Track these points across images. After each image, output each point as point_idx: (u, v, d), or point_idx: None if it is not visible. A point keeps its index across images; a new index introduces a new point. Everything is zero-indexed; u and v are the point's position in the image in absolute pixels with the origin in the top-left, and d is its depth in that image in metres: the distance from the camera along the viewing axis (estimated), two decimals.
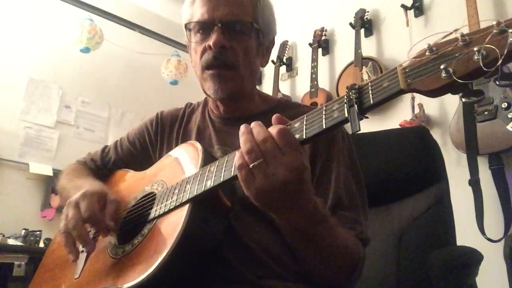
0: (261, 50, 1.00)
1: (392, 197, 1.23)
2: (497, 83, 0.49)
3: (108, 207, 0.86)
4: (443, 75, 0.51)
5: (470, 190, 1.90)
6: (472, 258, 1.01)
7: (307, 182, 0.65)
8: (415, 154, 1.23)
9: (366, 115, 0.59)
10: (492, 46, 0.48)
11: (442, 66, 0.51)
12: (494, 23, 0.49)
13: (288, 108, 1.00)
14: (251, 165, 0.63)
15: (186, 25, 0.97)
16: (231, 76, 0.93)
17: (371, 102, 0.57)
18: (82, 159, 1.19)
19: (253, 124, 0.67)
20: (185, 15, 0.99)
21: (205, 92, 0.99)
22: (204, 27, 0.93)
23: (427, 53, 0.53)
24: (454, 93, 0.53)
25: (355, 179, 0.90)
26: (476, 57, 0.49)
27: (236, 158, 0.65)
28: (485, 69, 0.48)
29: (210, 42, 0.90)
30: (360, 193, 0.90)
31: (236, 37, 0.93)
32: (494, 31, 0.48)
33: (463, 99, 0.53)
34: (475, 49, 0.49)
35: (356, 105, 0.58)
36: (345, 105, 0.60)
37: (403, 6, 2.51)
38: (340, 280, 0.78)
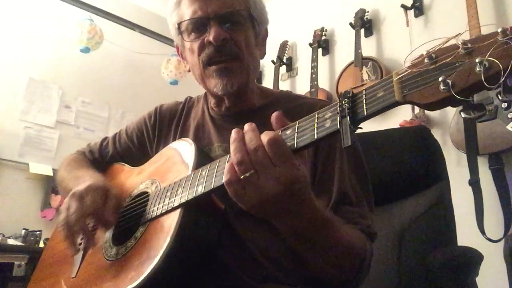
0: (258, 40, 0.98)
1: (393, 197, 1.23)
2: (500, 98, 0.45)
3: (109, 202, 0.86)
4: (442, 87, 0.47)
5: (470, 190, 1.90)
6: (472, 258, 1.01)
7: (300, 192, 0.62)
8: (416, 154, 1.23)
9: (359, 126, 0.55)
10: (495, 60, 0.43)
11: (440, 78, 0.47)
12: (500, 30, 0.44)
13: (288, 101, 0.97)
14: (242, 177, 0.59)
15: (179, 26, 0.94)
16: (237, 67, 0.90)
17: (365, 113, 0.54)
18: (82, 150, 1.18)
19: (246, 129, 0.62)
20: (172, 19, 0.97)
21: (209, 91, 0.96)
22: (198, 25, 0.90)
23: (425, 61, 0.49)
24: (453, 106, 0.49)
25: (360, 173, 0.88)
26: (477, 69, 0.44)
27: (225, 171, 0.61)
28: (487, 85, 0.44)
29: (210, 37, 0.86)
30: (365, 186, 0.88)
31: (234, 27, 0.90)
32: (499, 39, 0.44)
33: (462, 114, 0.48)
34: (477, 60, 0.44)
35: (348, 117, 0.54)
36: (338, 115, 0.56)
37: (403, 6, 2.51)
38: (349, 278, 0.77)
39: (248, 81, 0.94)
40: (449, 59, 0.47)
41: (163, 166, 0.92)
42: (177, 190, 0.77)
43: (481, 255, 1.01)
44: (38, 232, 2.69)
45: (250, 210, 0.62)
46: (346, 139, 0.54)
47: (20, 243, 2.57)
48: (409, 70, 0.50)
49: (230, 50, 0.89)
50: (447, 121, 2.16)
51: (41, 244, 2.66)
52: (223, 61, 0.89)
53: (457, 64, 0.47)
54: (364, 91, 0.55)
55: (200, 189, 0.72)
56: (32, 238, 2.64)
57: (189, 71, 1.00)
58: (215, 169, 0.71)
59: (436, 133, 2.15)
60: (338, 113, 0.56)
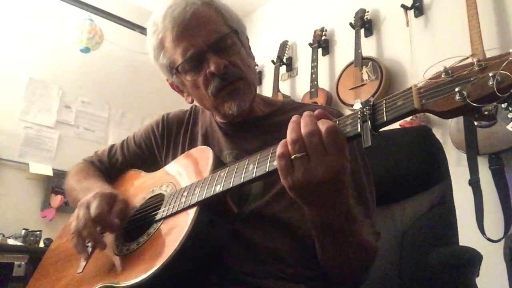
0: (247, 50, 0.99)
1: (395, 197, 1.22)
2: (510, 109, 0.50)
3: (115, 207, 0.87)
4: (457, 97, 0.52)
5: (470, 190, 1.90)
6: (472, 258, 1.01)
7: (344, 183, 0.65)
8: (418, 154, 1.23)
9: (378, 131, 0.59)
10: (507, 73, 0.49)
11: (456, 89, 0.52)
12: (511, 51, 0.50)
13: (292, 109, 1.00)
14: (293, 156, 0.62)
15: (177, 69, 0.93)
16: (244, 86, 0.92)
17: (384, 119, 0.58)
18: (89, 158, 1.19)
19: (304, 114, 0.66)
20: (161, 61, 0.96)
21: (224, 115, 0.97)
22: (193, 61, 0.90)
23: (442, 75, 0.55)
24: (466, 115, 0.54)
25: (365, 173, 0.90)
26: (490, 83, 0.50)
27: (279, 146, 0.65)
28: (499, 94, 0.49)
29: (211, 68, 0.87)
30: (370, 186, 0.90)
31: (227, 51, 0.91)
32: (510, 58, 0.50)
33: (476, 123, 0.54)
34: (490, 74, 0.50)
35: (369, 121, 0.59)
36: (359, 120, 0.60)
37: (403, 6, 2.51)
38: (357, 273, 0.80)
39: (255, 94, 0.97)
40: (465, 73, 0.53)
41: (179, 171, 0.94)
42: (194, 190, 0.79)
43: (481, 255, 1.01)
44: (38, 232, 2.69)
45: (292, 189, 0.65)
46: (366, 141, 0.58)
47: (20, 243, 2.57)
48: (428, 81, 0.56)
49: (233, 73, 0.90)
50: (447, 121, 2.16)
51: (41, 244, 2.66)
52: (230, 83, 0.91)
53: (472, 78, 0.52)
54: (384, 100, 0.60)
55: (219, 188, 0.74)
56: (32, 238, 2.64)
57: (191, 102, 1.03)
58: (234, 170, 0.73)
59: (436, 133, 2.13)
60: (359, 118, 0.60)
